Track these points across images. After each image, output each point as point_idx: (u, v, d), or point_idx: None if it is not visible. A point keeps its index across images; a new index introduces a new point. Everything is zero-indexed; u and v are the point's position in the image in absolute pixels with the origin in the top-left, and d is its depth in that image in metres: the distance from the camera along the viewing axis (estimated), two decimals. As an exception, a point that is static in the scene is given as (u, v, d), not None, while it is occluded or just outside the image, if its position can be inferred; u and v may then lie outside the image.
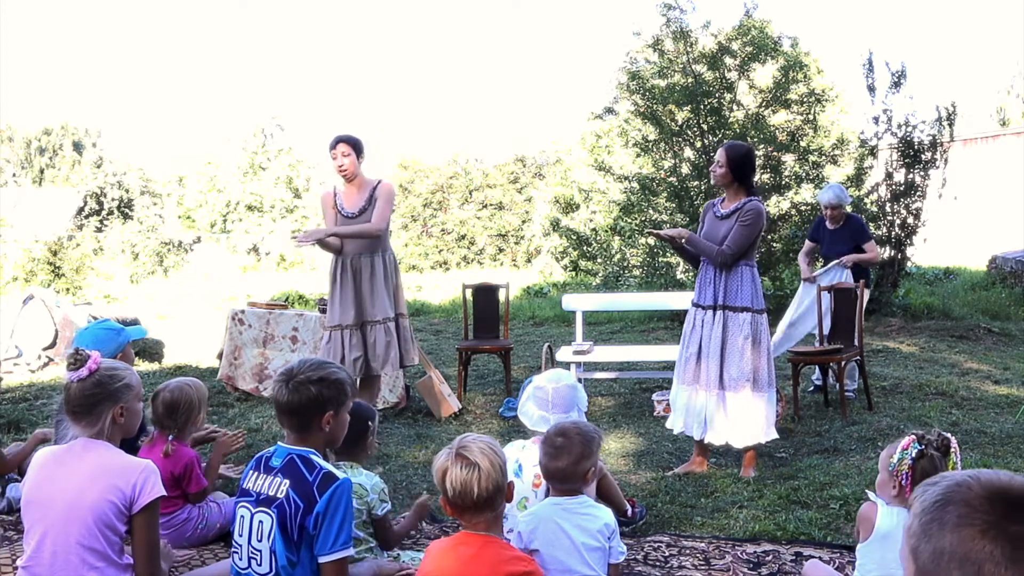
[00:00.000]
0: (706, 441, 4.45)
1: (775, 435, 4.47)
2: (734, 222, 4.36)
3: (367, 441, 3.20)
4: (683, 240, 4.45)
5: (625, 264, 12.51)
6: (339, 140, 5.05)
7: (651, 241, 11.49)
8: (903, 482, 2.51)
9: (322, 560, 2.34)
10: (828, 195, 6.39)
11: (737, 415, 4.35)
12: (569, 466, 2.68)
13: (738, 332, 4.34)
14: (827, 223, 6.39)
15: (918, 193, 9.98)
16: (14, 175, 31.00)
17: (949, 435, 2.55)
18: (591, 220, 16.98)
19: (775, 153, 10.47)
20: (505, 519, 3.13)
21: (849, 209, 6.68)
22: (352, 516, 2.43)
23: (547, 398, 3.17)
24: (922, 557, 1.21)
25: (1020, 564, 1.13)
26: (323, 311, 6.09)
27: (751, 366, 4.33)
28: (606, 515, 2.70)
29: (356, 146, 5.07)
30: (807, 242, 6.68)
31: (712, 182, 4.62)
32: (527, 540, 2.66)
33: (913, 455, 2.49)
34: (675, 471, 4.52)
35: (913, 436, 2.53)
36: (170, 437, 3.46)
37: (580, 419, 3.22)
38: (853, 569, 2.71)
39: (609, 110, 11.62)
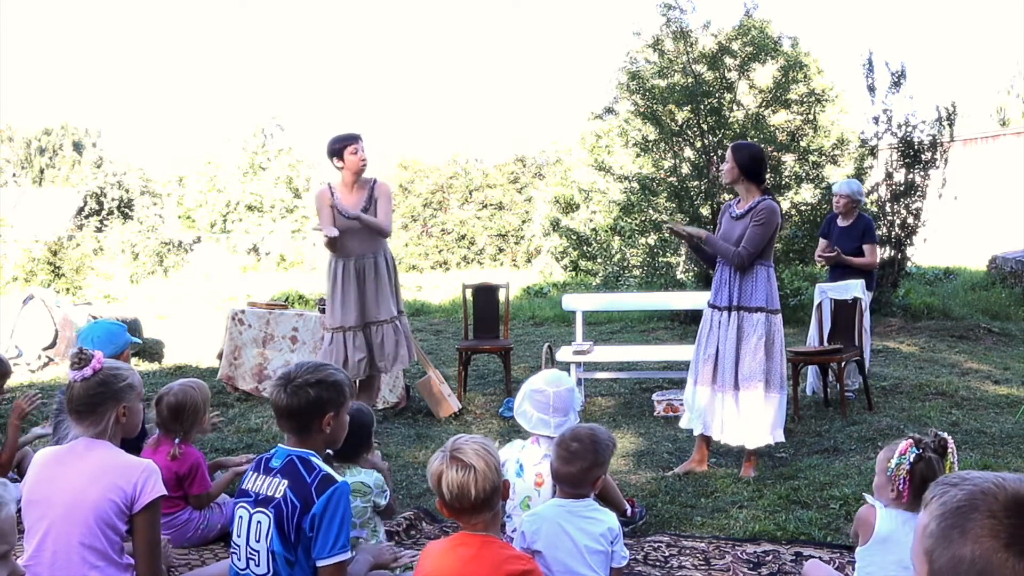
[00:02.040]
0: (723, 442, 4.45)
1: (782, 438, 4.47)
2: (748, 222, 4.36)
3: (369, 446, 3.24)
4: (701, 240, 4.46)
5: (625, 264, 12.51)
6: (357, 137, 5.09)
7: (651, 241, 11.50)
8: (901, 487, 2.51)
9: (320, 564, 2.34)
10: (841, 185, 6.43)
11: (751, 415, 4.35)
12: (580, 472, 2.70)
13: (752, 332, 4.35)
14: (838, 219, 6.38)
15: (918, 193, 9.98)
16: (14, 175, 30.99)
17: (946, 436, 2.55)
18: (591, 220, 16.98)
19: (775, 153, 10.47)
20: (508, 518, 3.14)
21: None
22: (350, 519, 2.44)
23: (547, 402, 3.18)
24: (939, 561, 1.19)
25: None
26: (323, 311, 6.09)
27: (764, 366, 4.33)
28: (610, 519, 2.71)
29: None
30: (820, 240, 6.65)
31: (722, 181, 4.64)
32: (530, 540, 2.66)
33: (911, 459, 2.49)
34: (675, 471, 4.52)
35: (910, 440, 2.53)
36: (176, 440, 3.46)
37: (576, 420, 3.23)
38: (853, 570, 2.71)
39: (609, 110, 11.62)
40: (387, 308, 5.11)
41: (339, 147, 5.05)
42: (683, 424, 4.66)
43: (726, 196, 10.47)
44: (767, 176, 10.49)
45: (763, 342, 4.33)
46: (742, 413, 4.36)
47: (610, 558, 2.67)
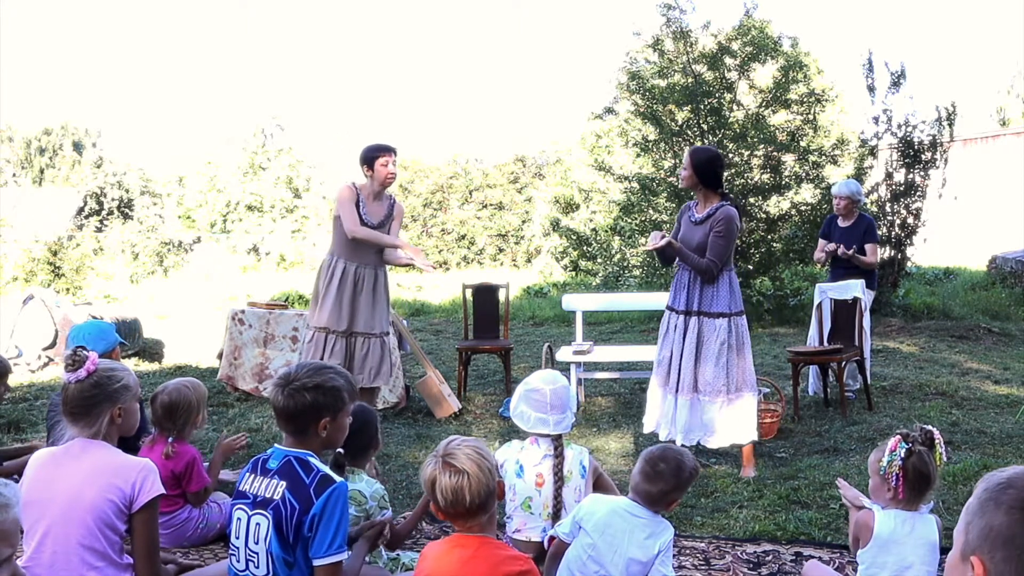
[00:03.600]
0: (682, 443, 4.47)
1: (755, 436, 4.48)
2: (708, 230, 4.39)
3: (376, 446, 3.22)
4: (673, 248, 4.45)
5: (625, 264, 12.51)
6: (393, 149, 5.06)
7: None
8: (895, 484, 2.52)
9: (317, 563, 2.33)
10: (841, 186, 6.41)
11: (719, 418, 4.37)
12: (659, 493, 2.71)
13: (714, 338, 4.37)
14: (839, 220, 6.38)
15: (918, 193, 9.98)
16: (14, 175, 30.96)
17: (931, 427, 2.57)
18: (591, 220, 16.97)
19: (775, 153, 10.47)
20: (509, 519, 3.14)
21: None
22: (348, 519, 2.43)
23: (545, 400, 3.15)
24: (972, 532, 1.24)
25: None
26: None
27: (728, 369, 4.35)
28: (665, 534, 2.71)
29: None
30: (820, 241, 6.65)
31: (680, 186, 4.64)
32: (582, 515, 2.69)
33: (902, 455, 2.50)
34: None
35: (898, 436, 2.54)
36: (170, 439, 3.47)
37: (573, 419, 3.22)
38: (854, 570, 2.71)
39: (609, 110, 11.62)
40: (379, 322, 5.09)
41: (372, 156, 5.01)
42: (646, 429, 4.65)
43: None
44: (761, 177, 10.49)
45: (726, 347, 4.35)
46: (709, 417, 4.37)
47: (649, 571, 2.66)
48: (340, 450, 3.03)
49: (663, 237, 4.42)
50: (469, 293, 6.94)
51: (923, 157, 9.96)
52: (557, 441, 3.13)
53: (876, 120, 10.20)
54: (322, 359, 4.91)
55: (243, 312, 6.59)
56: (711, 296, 4.39)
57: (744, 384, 4.39)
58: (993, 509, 1.23)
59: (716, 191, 4.44)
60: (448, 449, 2.29)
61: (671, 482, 2.70)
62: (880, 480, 2.59)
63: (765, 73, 10.78)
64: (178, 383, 3.56)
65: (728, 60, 10.45)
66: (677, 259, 4.48)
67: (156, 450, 3.43)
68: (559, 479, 3.08)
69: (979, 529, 1.23)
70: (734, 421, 4.37)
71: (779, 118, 10.84)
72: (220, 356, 6.67)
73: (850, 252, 6.09)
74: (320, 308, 5.04)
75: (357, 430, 3.14)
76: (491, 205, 26.26)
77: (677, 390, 4.41)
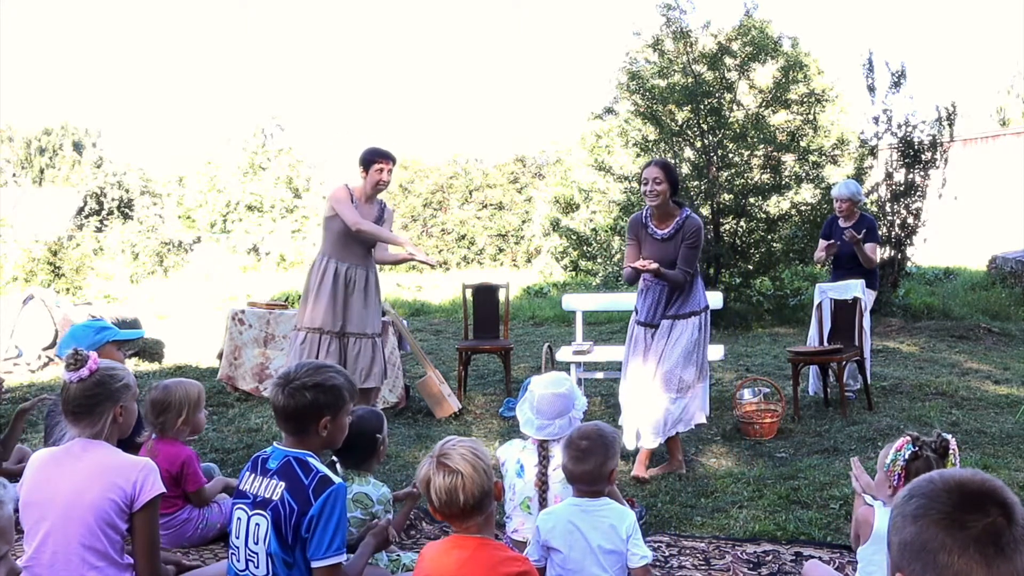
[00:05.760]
0: (662, 443, 4.49)
1: (703, 420, 4.61)
2: (679, 243, 4.44)
3: (378, 452, 3.21)
4: (654, 270, 4.44)
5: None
6: (391, 157, 5.08)
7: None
8: (895, 483, 2.52)
9: (315, 565, 2.33)
10: (841, 188, 6.39)
11: (684, 406, 4.45)
12: (595, 468, 2.68)
13: (683, 334, 4.46)
14: (839, 221, 6.37)
15: (918, 193, 9.99)
16: (14, 175, 30.95)
17: (949, 436, 2.55)
18: (591, 220, 16.95)
19: (775, 153, 10.47)
20: (509, 519, 3.14)
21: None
22: (346, 521, 2.42)
23: (533, 403, 3.20)
24: (893, 551, 1.26)
25: (969, 552, 1.17)
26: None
27: (695, 358, 4.45)
28: (626, 518, 2.68)
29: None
30: (821, 242, 6.63)
31: (651, 203, 4.55)
32: (545, 537, 2.66)
33: (906, 456, 2.50)
34: (652, 472, 4.50)
35: (908, 437, 2.54)
36: (152, 436, 3.47)
37: (573, 425, 3.20)
38: (854, 570, 2.71)
39: (609, 110, 11.60)
40: (372, 323, 5.12)
41: (369, 159, 5.04)
42: (630, 447, 4.54)
43: (726, 196, 10.47)
44: (761, 177, 10.44)
45: (694, 342, 4.46)
46: (677, 407, 4.44)
47: (626, 558, 2.65)
48: (334, 459, 3.05)
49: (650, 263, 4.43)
50: (469, 293, 6.94)
51: (923, 157, 9.96)
52: (542, 446, 3.14)
53: (876, 120, 10.20)
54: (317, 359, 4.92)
55: (243, 312, 6.59)
56: (682, 302, 4.50)
57: (705, 371, 4.55)
58: (902, 523, 1.25)
59: (676, 201, 4.54)
60: (443, 449, 2.28)
61: (600, 452, 2.68)
62: (884, 476, 2.59)
63: (765, 73, 10.78)
64: (169, 382, 3.54)
65: (728, 60, 10.45)
66: (663, 281, 4.47)
67: (153, 450, 3.42)
68: (543, 484, 3.09)
69: (896, 546, 1.25)
70: (692, 408, 4.48)
71: (779, 118, 10.83)
72: (220, 356, 6.67)
73: (859, 236, 6.02)
74: (313, 308, 5.03)
75: (360, 436, 3.14)
76: (491, 205, 26.25)
77: (651, 391, 4.47)
